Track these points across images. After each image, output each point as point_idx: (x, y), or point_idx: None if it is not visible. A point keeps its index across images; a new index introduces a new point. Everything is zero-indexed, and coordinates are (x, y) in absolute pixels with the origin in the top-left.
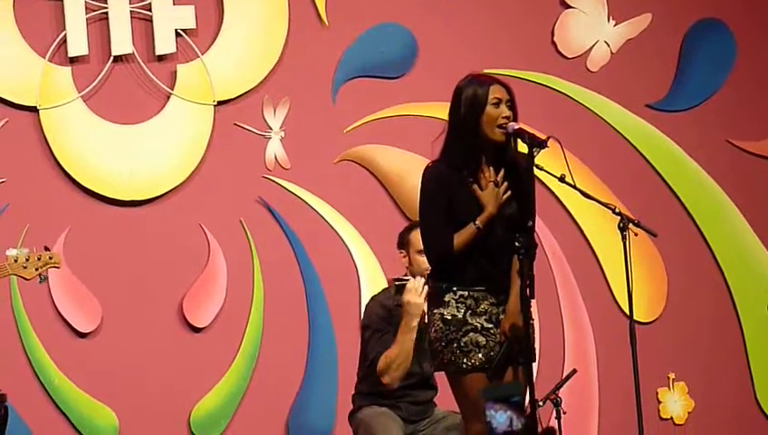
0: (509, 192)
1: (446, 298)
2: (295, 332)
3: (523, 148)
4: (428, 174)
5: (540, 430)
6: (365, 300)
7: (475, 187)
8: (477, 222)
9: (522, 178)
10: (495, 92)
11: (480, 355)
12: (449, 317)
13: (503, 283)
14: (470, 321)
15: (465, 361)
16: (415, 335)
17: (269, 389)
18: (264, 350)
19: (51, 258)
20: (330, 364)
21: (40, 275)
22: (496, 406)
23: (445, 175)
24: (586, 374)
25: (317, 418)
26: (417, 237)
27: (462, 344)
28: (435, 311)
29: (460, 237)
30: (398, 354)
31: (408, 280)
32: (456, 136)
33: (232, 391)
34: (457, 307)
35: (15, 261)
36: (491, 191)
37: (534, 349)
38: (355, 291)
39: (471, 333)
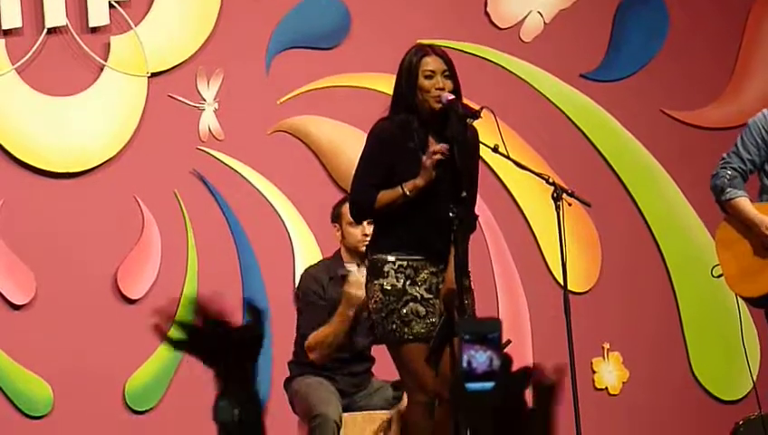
0: (438, 160)
1: (386, 269)
2: (230, 303)
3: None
4: (376, 129)
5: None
6: (299, 271)
7: (422, 156)
8: (405, 187)
9: (463, 149)
10: (428, 64)
11: (420, 325)
12: (389, 287)
13: (443, 253)
14: (410, 291)
15: (405, 331)
16: (348, 324)
17: None
18: None
19: None
20: (265, 334)
21: None
22: (475, 346)
23: (391, 134)
24: (521, 345)
25: None
26: (348, 209)
27: (402, 314)
28: (375, 282)
29: (384, 196)
30: (329, 337)
31: (351, 271)
32: (395, 104)
33: (166, 363)
34: (397, 277)
35: None
36: (424, 162)
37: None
38: (289, 262)
39: (411, 303)
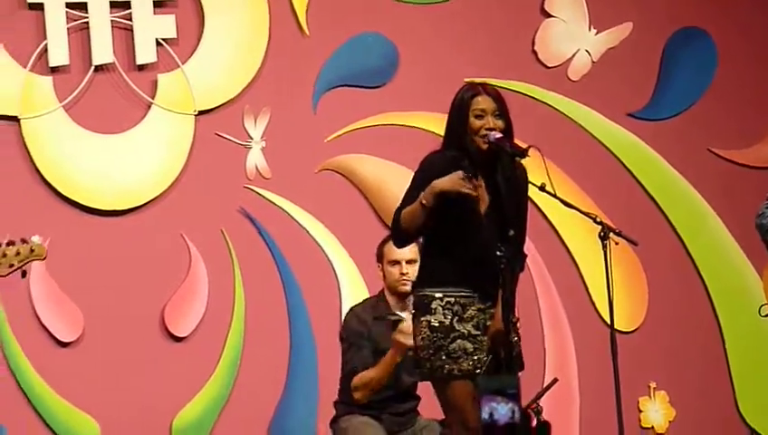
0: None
1: (433, 305)
2: (276, 340)
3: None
4: (425, 161)
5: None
6: (345, 308)
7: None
8: (422, 197)
9: (510, 188)
10: (479, 103)
11: (468, 362)
12: (437, 324)
13: (489, 290)
14: (457, 327)
15: (453, 367)
16: (395, 368)
17: (250, 397)
18: (246, 358)
19: (32, 250)
20: (311, 372)
21: (20, 269)
22: (497, 398)
23: (439, 168)
24: (567, 384)
25: (298, 425)
26: (388, 248)
27: (450, 351)
28: (422, 318)
29: (407, 217)
30: (375, 379)
31: (402, 318)
32: (447, 141)
33: (213, 400)
34: (444, 314)
35: None
36: (456, 177)
37: (521, 358)
38: (335, 299)
39: (459, 340)
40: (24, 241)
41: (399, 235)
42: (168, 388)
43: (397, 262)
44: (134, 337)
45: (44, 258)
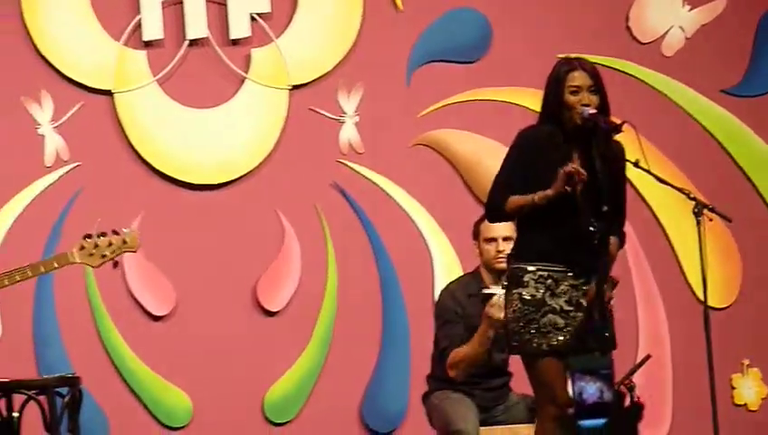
0: (583, 178)
1: (526, 278)
2: (369, 315)
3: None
4: (521, 135)
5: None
6: (438, 283)
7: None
8: (536, 195)
9: (606, 164)
10: (574, 79)
11: (558, 337)
12: (528, 297)
13: (584, 266)
14: (549, 302)
15: (542, 342)
16: (489, 344)
17: (343, 371)
18: (338, 333)
19: (125, 242)
20: (403, 347)
21: (113, 260)
22: (586, 377)
23: (535, 142)
24: (660, 360)
25: (390, 400)
26: (485, 226)
27: (540, 325)
28: (514, 291)
29: (515, 201)
30: (469, 356)
31: (494, 293)
32: (543, 116)
33: (306, 374)
34: (536, 287)
35: (82, 248)
36: (561, 174)
37: (614, 338)
38: (428, 274)
39: (550, 314)
40: (115, 232)
41: (497, 213)
42: (261, 362)
43: (493, 239)
44: (227, 312)
45: (136, 250)
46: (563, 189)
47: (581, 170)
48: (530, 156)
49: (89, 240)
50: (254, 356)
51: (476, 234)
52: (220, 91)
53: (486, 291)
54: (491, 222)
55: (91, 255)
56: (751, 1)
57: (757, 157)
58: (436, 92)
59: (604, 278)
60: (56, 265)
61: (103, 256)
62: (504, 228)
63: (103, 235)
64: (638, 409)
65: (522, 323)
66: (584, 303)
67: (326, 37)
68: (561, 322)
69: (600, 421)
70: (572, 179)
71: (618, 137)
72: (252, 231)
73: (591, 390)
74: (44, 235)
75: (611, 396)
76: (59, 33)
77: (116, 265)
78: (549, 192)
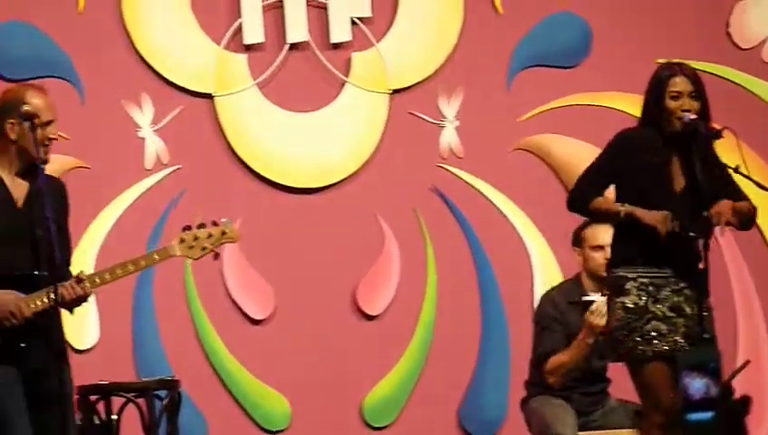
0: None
1: (628, 286)
2: (468, 319)
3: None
4: (618, 135)
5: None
6: (537, 288)
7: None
8: (624, 208)
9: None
10: (675, 85)
11: (662, 344)
12: (631, 305)
13: (685, 271)
14: (651, 308)
15: (647, 349)
16: (588, 351)
17: (441, 376)
18: (437, 338)
19: (224, 233)
20: (502, 352)
21: (213, 252)
22: (693, 373)
23: (631, 143)
24: (759, 366)
25: (489, 404)
26: (591, 233)
27: (644, 332)
28: (617, 300)
29: (601, 204)
30: (568, 363)
31: (595, 300)
32: (643, 120)
33: (405, 378)
34: (638, 295)
35: (182, 241)
36: (665, 217)
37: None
38: (527, 279)
39: (653, 321)
40: (215, 223)
41: (579, 206)
42: (360, 366)
43: (600, 247)
44: (326, 315)
45: (236, 241)
46: (658, 228)
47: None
48: (621, 157)
49: (188, 232)
50: (354, 360)
51: (579, 240)
52: (320, 94)
53: (587, 298)
54: (570, 210)
55: (191, 247)
56: None
57: None
58: (537, 97)
59: (705, 287)
60: (157, 258)
61: (203, 249)
62: (611, 236)
63: (203, 226)
64: (745, 402)
65: (625, 332)
66: (687, 308)
67: (426, 41)
68: (663, 328)
69: (707, 415)
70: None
71: (717, 143)
72: (351, 235)
73: (698, 385)
74: (144, 238)
75: (718, 390)
76: (160, 37)
77: (216, 256)
78: (639, 214)
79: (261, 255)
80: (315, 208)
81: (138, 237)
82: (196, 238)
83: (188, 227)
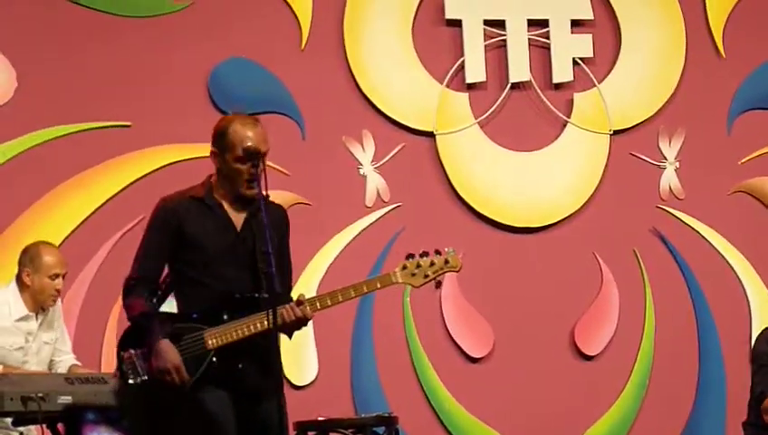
0: None
1: None
2: (685, 360)
3: None
4: None
5: None
6: (756, 329)
7: None
8: None
9: None
10: None
11: None
12: None
13: None
14: None
15: None
16: None
17: (659, 415)
18: (654, 379)
19: (447, 262)
20: (719, 392)
21: (435, 280)
22: None
23: None
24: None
25: None
26: None
27: None
28: None
29: None
30: None
31: None
32: None
33: (622, 419)
34: None
35: (404, 268)
36: None
37: None
38: (746, 321)
39: None
40: (438, 252)
41: None
42: (577, 405)
43: None
44: (544, 354)
45: (459, 270)
46: None
47: None
48: None
49: (411, 260)
50: (571, 399)
51: None
52: (542, 134)
53: None
54: None
55: (414, 275)
56: None
57: None
58: (757, 139)
59: None
60: (379, 285)
61: (426, 277)
62: None
63: (425, 254)
64: None
65: None
66: None
67: (648, 83)
68: None
69: None
70: None
71: None
72: (570, 274)
73: None
74: (364, 274)
75: None
76: (382, 74)
77: (438, 285)
78: None
79: (480, 293)
80: (534, 247)
81: (357, 274)
82: (418, 266)
83: (411, 256)
